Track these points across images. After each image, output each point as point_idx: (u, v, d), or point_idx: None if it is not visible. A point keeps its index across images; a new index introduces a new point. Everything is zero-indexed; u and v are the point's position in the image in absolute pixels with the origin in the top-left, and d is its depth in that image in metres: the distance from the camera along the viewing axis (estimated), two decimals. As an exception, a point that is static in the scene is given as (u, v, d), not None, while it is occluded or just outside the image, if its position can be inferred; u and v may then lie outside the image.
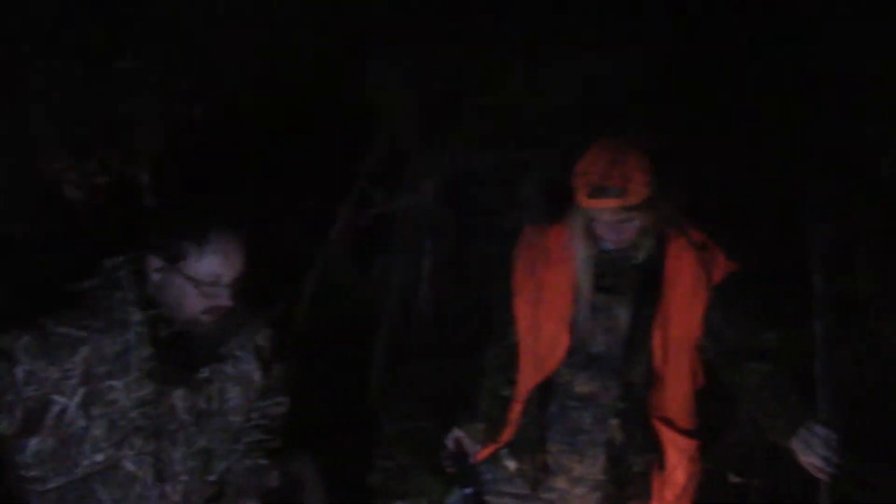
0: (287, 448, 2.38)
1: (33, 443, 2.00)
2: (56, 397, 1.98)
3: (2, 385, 1.94)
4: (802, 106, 2.33)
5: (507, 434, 2.49)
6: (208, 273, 2.03)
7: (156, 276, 2.06)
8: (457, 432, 2.53)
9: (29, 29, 2.09)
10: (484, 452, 2.53)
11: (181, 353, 2.11)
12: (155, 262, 2.05)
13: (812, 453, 2.08)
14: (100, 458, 2.04)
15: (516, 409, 2.48)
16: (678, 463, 2.36)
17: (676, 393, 2.37)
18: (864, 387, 2.60)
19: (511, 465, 2.50)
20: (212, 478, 2.22)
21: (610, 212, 2.25)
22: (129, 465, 2.07)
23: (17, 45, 2.07)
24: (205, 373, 2.15)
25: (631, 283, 2.35)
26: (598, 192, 2.23)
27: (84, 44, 2.16)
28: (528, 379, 2.45)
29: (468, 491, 2.44)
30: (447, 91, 2.43)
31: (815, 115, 2.30)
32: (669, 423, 2.36)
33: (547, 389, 2.44)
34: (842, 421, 2.13)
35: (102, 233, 2.22)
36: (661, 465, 2.37)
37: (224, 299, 2.07)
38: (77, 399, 2.00)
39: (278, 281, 2.50)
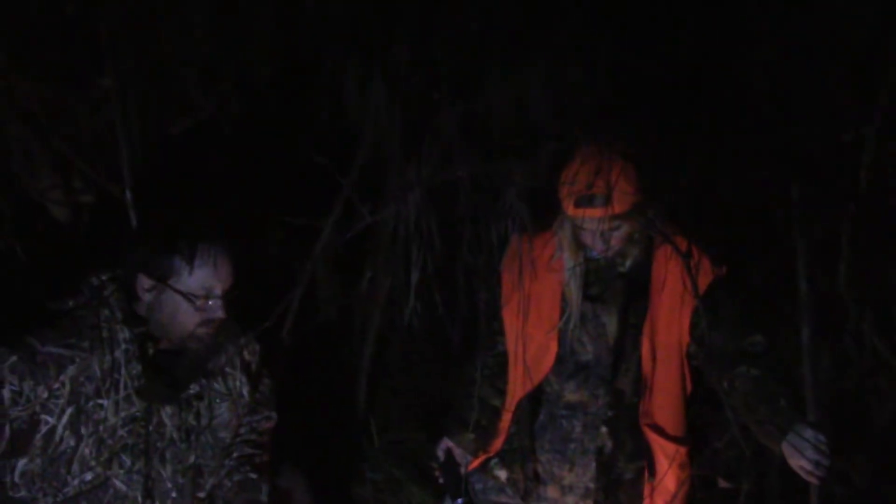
0: (276, 462, 2.37)
1: (21, 463, 1.99)
2: (44, 417, 1.98)
3: None
4: (784, 110, 2.34)
5: (497, 444, 2.49)
6: (200, 287, 2.05)
7: (147, 297, 2.06)
8: (447, 442, 2.54)
9: (9, 47, 2.07)
10: (474, 462, 2.53)
11: (170, 370, 2.11)
12: (145, 281, 2.05)
13: (802, 457, 2.09)
14: (89, 476, 2.03)
15: (506, 419, 2.48)
16: (668, 469, 2.37)
17: (665, 400, 2.37)
18: (853, 390, 2.62)
19: (501, 474, 2.50)
20: (201, 494, 2.21)
21: (596, 221, 2.26)
22: (119, 484, 2.06)
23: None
24: (194, 389, 2.15)
25: (618, 291, 2.36)
26: (583, 201, 2.24)
27: (65, 62, 2.15)
28: (517, 388, 2.46)
29: (459, 501, 2.44)
30: (427, 101, 2.42)
31: (799, 119, 2.31)
32: (659, 429, 2.36)
33: (536, 398, 2.45)
34: (831, 424, 2.14)
35: (87, 251, 2.20)
36: (651, 471, 2.37)
37: (218, 312, 2.07)
38: (65, 419, 1.99)
39: (264, 296, 2.48)
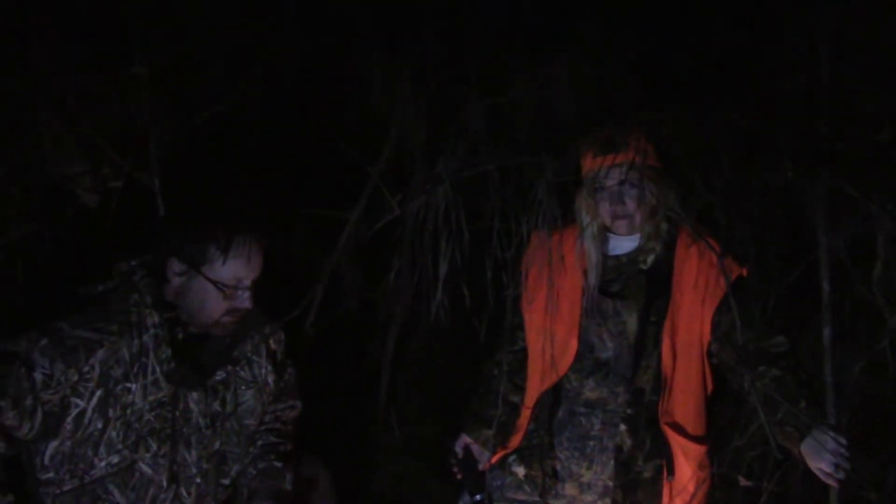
0: (299, 452, 2.39)
1: (52, 446, 2.02)
2: (75, 400, 2.01)
3: (21, 390, 1.95)
4: (813, 109, 2.31)
5: (516, 440, 2.49)
6: (231, 276, 2.08)
7: (177, 281, 2.09)
8: (465, 438, 2.54)
9: (41, 35, 2.11)
10: (492, 458, 2.52)
11: (197, 356, 2.14)
12: (177, 265, 2.08)
13: (822, 459, 2.07)
14: (115, 459, 2.06)
15: (525, 416, 2.48)
16: (687, 469, 2.35)
17: (685, 398, 2.36)
18: (875, 392, 2.59)
19: (520, 471, 2.50)
20: (226, 481, 2.24)
21: (617, 171, 2.26)
22: (145, 468, 2.09)
23: (29, 52, 2.08)
24: (220, 376, 2.17)
25: (639, 288, 2.35)
26: (602, 148, 2.26)
27: (96, 50, 2.18)
28: (536, 385, 2.45)
29: (477, 497, 2.44)
30: (454, 95, 2.43)
31: (827, 119, 2.29)
32: (678, 428, 2.35)
33: (556, 395, 2.44)
34: (851, 426, 2.12)
35: (117, 237, 2.23)
36: (671, 470, 2.36)
37: (246, 301, 2.10)
38: (94, 402, 2.02)
39: (289, 287, 2.51)
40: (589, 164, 2.32)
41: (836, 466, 2.06)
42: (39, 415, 1.97)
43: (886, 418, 2.63)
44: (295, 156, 2.95)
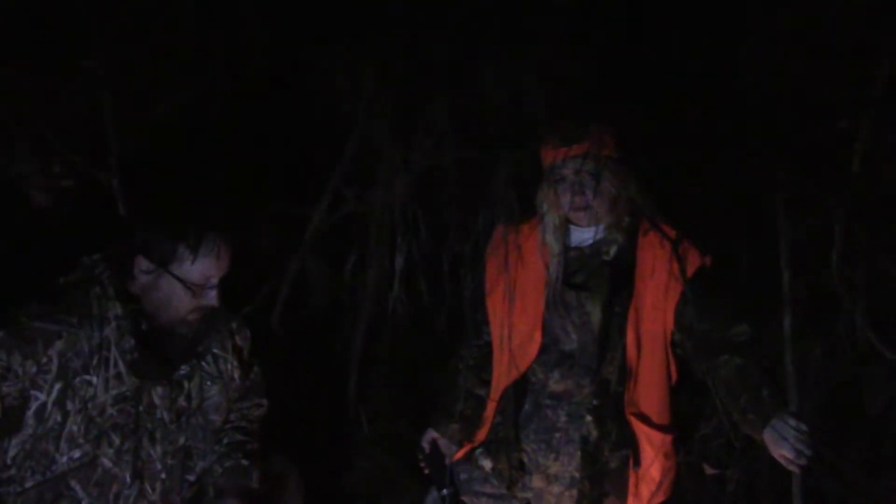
0: (267, 450, 2.38)
1: (13, 443, 2.00)
2: (34, 392, 1.99)
3: None
4: (772, 99, 2.33)
5: (482, 433, 2.49)
6: (200, 275, 2.07)
7: (144, 279, 2.07)
8: (431, 433, 2.54)
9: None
10: (459, 452, 2.52)
11: (160, 349, 2.12)
12: (144, 263, 2.07)
13: (783, 446, 2.09)
14: (77, 454, 2.04)
15: (490, 409, 2.48)
16: (653, 458, 2.36)
17: (650, 388, 2.37)
18: (836, 380, 2.61)
19: (486, 464, 2.49)
20: (191, 477, 2.23)
21: (575, 162, 2.27)
22: (107, 463, 2.07)
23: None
24: (184, 370, 2.16)
25: (602, 279, 2.36)
26: (563, 140, 2.28)
27: (47, 45, 2.14)
28: (501, 378, 2.45)
29: (445, 491, 2.44)
30: (415, 89, 2.42)
31: (786, 108, 2.31)
32: (644, 418, 2.36)
33: (521, 388, 2.44)
34: (812, 413, 2.14)
35: (71, 237, 2.21)
36: (637, 460, 2.37)
37: (213, 299, 2.10)
38: (54, 394, 2.00)
39: (253, 283, 2.49)
40: (548, 155, 2.33)
41: (798, 453, 2.08)
42: None
43: (847, 405, 2.65)
44: (258, 153, 2.93)
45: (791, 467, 2.11)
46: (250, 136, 2.86)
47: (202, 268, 2.06)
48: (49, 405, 2.00)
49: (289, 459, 2.52)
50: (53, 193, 2.24)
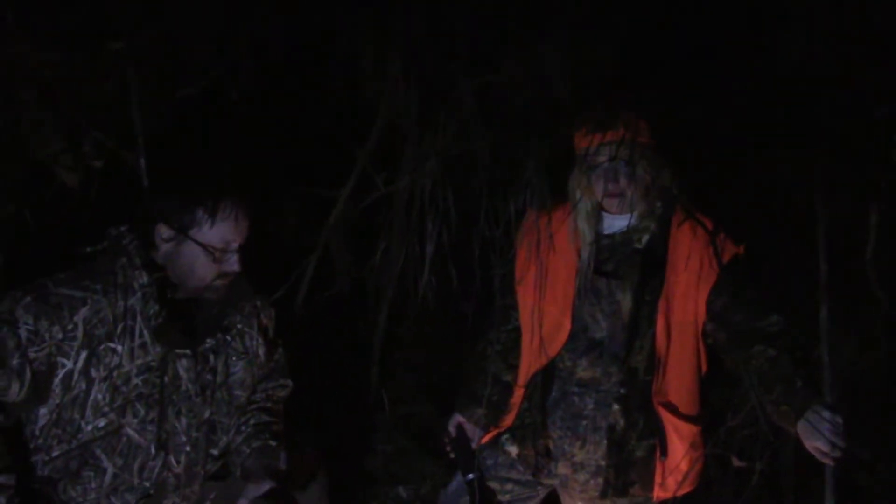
0: (290, 432, 2.38)
1: (42, 412, 2.02)
2: (61, 359, 2.00)
3: (6, 349, 1.94)
4: (810, 86, 2.29)
5: (509, 419, 2.48)
6: (220, 239, 2.09)
7: (165, 247, 2.09)
8: (458, 417, 2.53)
9: (17, 11, 2.07)
10: (485, 438, 2.52)
11: (186, 321, 2.14)
12: (165, 231, 2.09)
13: (818, 438, 2.06)
14: (102, 423, 2.06)
15: (517, 395, 2.46)
16: (680, 448, 2.35)
17: (679, 378, 2.35)
18: (871, 372, 2.58)
19: (512, 450, 2.49)
20: (215, 451, 2.24)
21: (608, 149, 2.24)
22: (132, 433, 2.09)
23: (6, 30, 2.04)
24: (210, 343, 2.17)
25: (633, 267, 2.33)
26: (595, 127, 2.25)
27: (73, 25, 2.13)
28: (529, 364, 2.44)
29: (469, 476, 2.43)
30: (444, 73, 2.39)
31: (824, 95, 2.26)
32: (671, 408, 2.34)
33: (548, 375, 2.43)
34: (848, 406, 2.11)
35: (100, 215, 2.21)
36: (664, 450, 2.35)
37: (234, 265, 2.11)
38: (81, 363, 2.01)
39: (280, 267, 2.49)
40: (582, 141, 2.30)
41: (832, 445, 2.05)
42: (28, 374, 1.96)
43: (882, 399, 2.62)
44: (284, 135, 2.91)
45: (825, 460, 2.08)
46: (275, 118, 2.85)
47: (221, 232, 2.08)
48: (76, 373, 2.01)
49: (309, 441, 2.51)
50: (82, 173, 2.24)
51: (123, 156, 2.22)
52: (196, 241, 2.07)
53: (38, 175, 2.24)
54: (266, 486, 2.15)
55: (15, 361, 1.95)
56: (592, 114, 2.29)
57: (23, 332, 1.95)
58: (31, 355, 1.96)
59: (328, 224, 2.89)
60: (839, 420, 2.06)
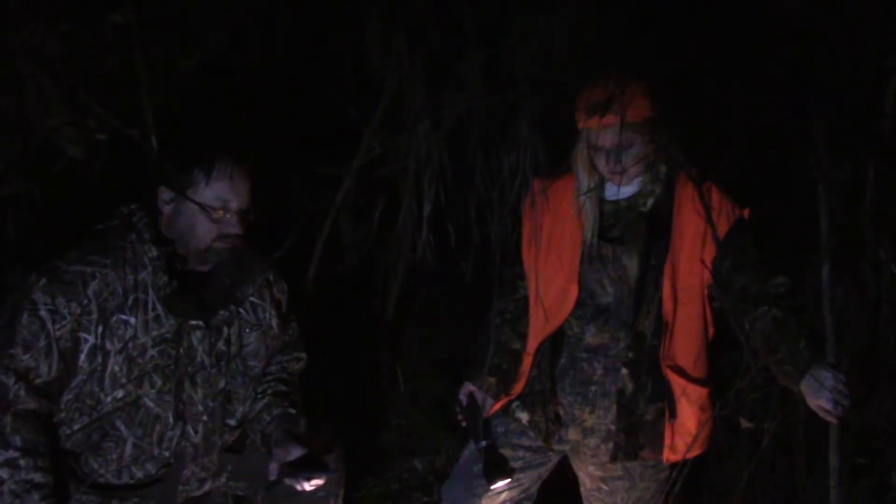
0: (307, 406, 2.41)
1: (70, 387, 2.08)
2: (83, 335, 2.06)
3: (31, 332, 2.00)
4: (807, 48, 2.29)
5: (518, 387, 2.50)
6: (216, 198, 2.12)
7: (167, 209, 2.15)
8: (468, 386, 2.55)
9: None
10: (496, 405, 2.54)
11: (198, 293, 2.18)
12: (165, 193, 2.14)
13: (820, 396, 2.07)
14: (120, 394, 2.11)
15: (527, 362, 2.48)
16: (689, 411, 2.37)
17: (686, 342, 2.36)
18: (875, 330, 2.58)
19: (523, 417, 2.51)
20: (231, 421, 2.28)
21: (610, 132, 2.24)
22: (150, 404, 2.14)
23: (8, 3, 2.07)
24: (223, 315, 2.21)
25: (639, 232, 2.34)
26: (597, 108, 2.23)
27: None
28: (537, 331, 2.46)
29: (483, 443, 2.46)
30: (444, 41, 2.40)
31: (821, 57, 2.26)
32: (680, 371, 2.35)
33: (557, 341, 2.44)
34: (851, 364, 2.12)
35: (106, 188, 2.25)
36: (672, 413, 2.37)
37: (234, 226, 2.15)
38: (100, 336, 2.07)
39: (289, 241, 2.52)
40: (581, 120, 2.30)
41: (835, 403, 2.06)
42: (56, 353, 2.02)
43: (886, 359, 2.63)
44: (290, 113, 2.93)
45: (829, 418, 2.09)
46: (280, 94, 2.87)
47: (216, 190, 2.12)
48: (98, 346, 2.07)
49: (324, 415, 2.55)
50: (87, 147, 2.28)
51: (128, 130, 2.25)
52: (193, 201, 2.11)
53: (45, 151, 2.28)
54: (296, 451, 2.19)
55: (41, 343, 2.00)
56: (592, 93, 2.26)
57: (43, 313, 2.01)
58: (56, 334, 2.01)
59: (336, 200, 2.92)
60: (842, 378, 2.07)
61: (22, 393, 1.99)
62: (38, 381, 2.01)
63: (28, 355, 1.99)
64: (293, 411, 2.33)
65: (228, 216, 2.14)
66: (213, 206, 2.12)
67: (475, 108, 2.25)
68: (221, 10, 2.43)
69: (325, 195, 2.82)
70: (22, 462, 1.95)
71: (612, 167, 2.30)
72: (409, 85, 2.41)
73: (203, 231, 2.13)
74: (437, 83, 2.36)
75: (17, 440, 1.96)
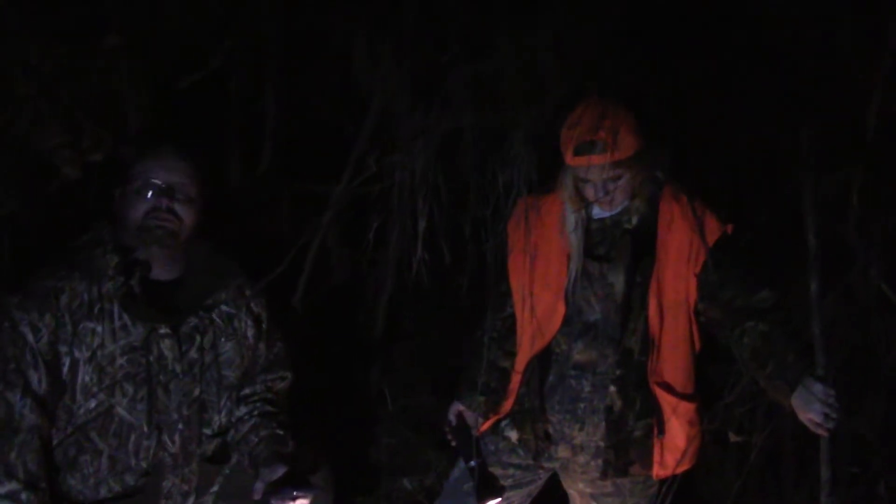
0: (295, 426, 2.40)
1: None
2: (62, 347, 2.08)
3: (17, 348, 2.04)
4: (789, 58, 2.31)
5: (508, 405, 2.50)
6: (142, 171, 2.16)
7: (116, 206, 2.19)
8: (457, 406, 2.55)
9: (17, 5, 2.10)
10: (485, 424, 2.53)
11: (166, 300, 2.20)
12: (116, 191, 2.21)
13: (811, 410, 2.09)
14: (93, 404, 2.12)
15: (515, 380, 2.48)
16: (678, 427, 2.37)
17: (674, 357, 2.37)
18: (863, 342, 2.59)
19: (513, 435, 2.51)
20: (208, 431, 2.27)
21: (598, 169, 2.25)
22: (123, 413, 2.14)
23: (3, 23, 2.08)
24: (193, 322, 2.22)
25: (625, 249, 2.35)
26: (584, 148, 2.24)
27: (72, 20, 2.17)
28: (526, 349, 2.46)
29: (472, 463, 2.45)
30: (432, 57, 2.41)
31: (803, 67, 2.28)
32: (667, 387, 2.36)
33: (545, 359, 2.44)
34: (840, 377, 2.13)
35: (101, 209, 2.26)
36: (661, 429, 2.37)
37: (160, 201, 2.15)
38: (75, 347, 2.09)
39: (282, 266, 2.51)
40: (570, 160, 2.29)
41: (826, 416, 2.07)
42: (42, 367, 2.05)
43: (874, 370, 2.64)
44: (279, 128, 2.93)
45: (819, 431, 2.10)
46: (270, 112, 2.86)
47: (143, 166, 2.16)
48: (73, 358, 2.09)
49: (313, 434, 2.53)
50: (82, 167, 2.29)
51: (123, 151, 2.26)
52: (125, 182, 2.16)
53: (40, 172, 2.28)
54: (281, 471, 2.18)
55: (28, 357, 2.04)
56: (577, 127, 2.24)
57: (24, 329, 2.04)
58: (38, 347, 2.04)
59: (325, 217, 2.91)
60: (832, 391, 2.08)
61: (27, 411, 2.02)
62: (38, 393, 2.04)
63: (21, 370, 2.03)
64: (281, 432, 2.32)
65: (155, 190, 2.15)
66: (138, 180, 2.15)
67: (467, 126, 2.24)
68: (216, 30, 2.43)
69: (317, 214, 2.81)
70: (23, 496, 1.99)
71: (599, 196, 2.31)
72: (399, 102, 2.40)
73: (134, 208, 2.16)
74: (425, 100, 2.36)
75: (21, 472, 1.99)
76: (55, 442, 2.11)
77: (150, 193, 2.16)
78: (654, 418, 2.38)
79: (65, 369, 2.08)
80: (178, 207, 2.18)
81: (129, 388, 2.13)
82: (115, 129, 2.28)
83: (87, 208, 2.31)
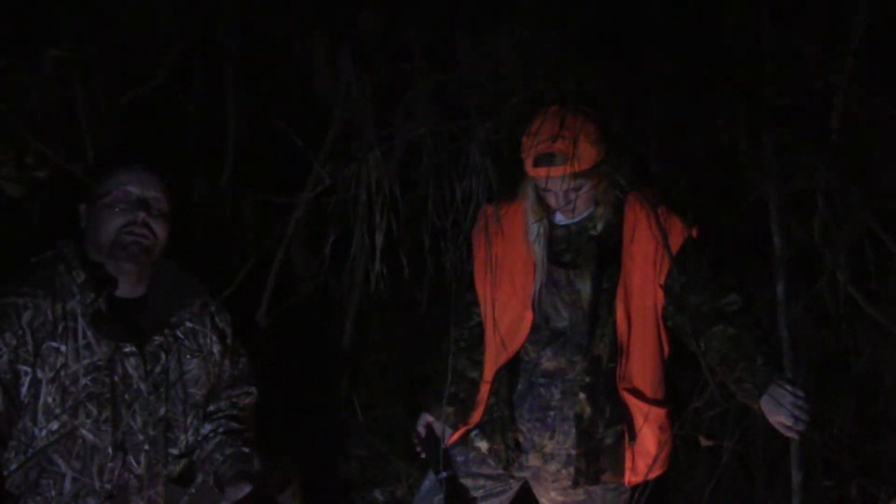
0: (263, 440, 2.37)
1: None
2: (22, 367, 2.02)
3: None
4: (753, 62, 2.31)
5: (477, 415, 2.47)
6: (115, 183, 2.13)
7: (84, 223, 2.16)
8: (426, 417, 2.53)
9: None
10: (455, 435, 2.51)
11: (131, 318, 2.16)
12: (82, 208, 2.17)
13: (780, 412, 2.08)
14: (55, 426, 2.06)
15: (484, 390, 2.46)
16: (648, 432, 2.36)
17: (642, 363, 2.35)
18: (830, 342, 2.61)
19: (482, 445, 2.48)
20: (174, 451, 2.23)
21: (559, 180, 2.23)
22: (87, 434, 2.09)
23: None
24: (158, 340, 2.19)
25: (590, 255, 2.33)
26: (544, 159, 2.22)
27: (13, 33, 2.12)
28: (493, 359, 2.44)
29: (442, 475, 2.43)
30: (392, 67, 2.38)
31: (765, 71, 2.29)
32: (637, 393, 2.35)
33: (513, 368, 2.42)
34: (809, 380, 2.13)
35: (46, 227, 2.21)
36: (632, 435, 2.36)
37: (134, 214, 2.12)
38: (37, 368, 2.03)
39: (240, 276, 2.47)
40: (531, 171, 2.27)
41: (795, 419, 2.07)
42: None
43: (842, 371, 2.65)
44: (237, 142, 2.89)
45: (789, 434, 2.10)
46: (227, 124, 2.83)
47: (115, 176, 2.13)
48: (33, 378, 2.03)
49: (281, 448, 2.50)
50: (26, 185, 2.24)
51: (69, 166, 2.22)
52: (97, 197, 2.12)
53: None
54: (246, 489, 2.14)
55: None
56: (537, 137, 2.23)
57: None
58: None
59: (288, 231, 2.87)
60: (801, 394, 2.08)
61: None
62: None
63: None
64: (246, 450, 2.28)
65: (129, 204, 2.12)
66: (111, 191, 2.11)
67: (426, 136, 2.22)
68: (165, 41, 2.39)
69: (277, 225, 2.77)
70: None
71: (561, 204, 2.30)
72: (359, 113, 2.38)
73: (107, 222, 2.12)
74: (386, 110, 2.33)
75: None
76: (14, 466, 2.05)
77: (125, 207, 2.12)
78: (625, 424, 2.36)
79: (23, 389, 2.02)
80: (152, 222, 2.14)
81: (93, 409, 2.08)
82: (64, 145, 2.23)
83: (32, 226, 2.25)
